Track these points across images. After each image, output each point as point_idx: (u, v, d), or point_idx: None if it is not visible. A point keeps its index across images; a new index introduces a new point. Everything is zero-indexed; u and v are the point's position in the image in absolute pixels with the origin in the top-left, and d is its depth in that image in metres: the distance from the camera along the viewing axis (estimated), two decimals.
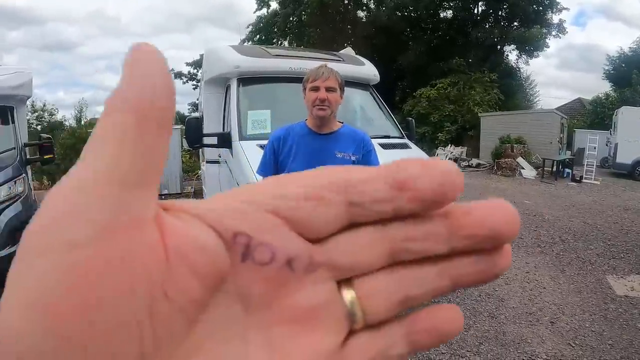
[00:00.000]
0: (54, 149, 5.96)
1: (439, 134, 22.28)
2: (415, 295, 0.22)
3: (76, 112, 37.59)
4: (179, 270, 0.17)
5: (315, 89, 2.38)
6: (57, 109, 35.72)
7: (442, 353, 3.51)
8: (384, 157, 4.42)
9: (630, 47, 29.73)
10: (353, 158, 2.46)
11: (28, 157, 5.51)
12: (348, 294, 0.21)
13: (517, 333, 3.86)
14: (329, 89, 2.37)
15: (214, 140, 4.79)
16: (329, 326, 0.21)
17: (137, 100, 0.17)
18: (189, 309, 0.18)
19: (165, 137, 0.18)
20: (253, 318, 0.20)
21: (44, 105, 33.56)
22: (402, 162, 0.21)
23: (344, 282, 0.22)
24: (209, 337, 0.19)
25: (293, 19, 31.73)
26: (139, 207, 0.17)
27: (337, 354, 0.21)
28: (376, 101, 5.70)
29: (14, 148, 5.11)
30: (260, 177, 2.81)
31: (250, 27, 32.11)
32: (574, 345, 3.69)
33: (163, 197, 9.60)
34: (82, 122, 35.86)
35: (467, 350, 3.56)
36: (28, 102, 7.53)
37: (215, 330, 0.19)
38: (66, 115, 37.86)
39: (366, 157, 2.51)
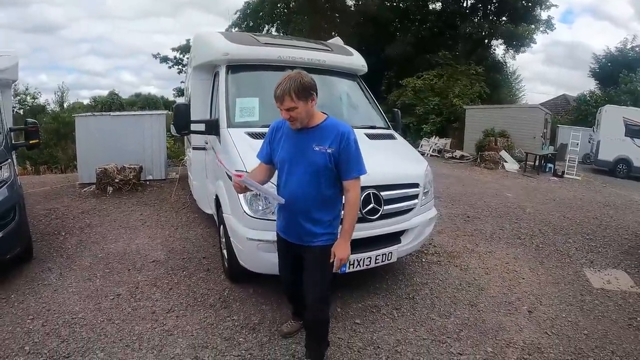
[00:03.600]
0: (40, 134, 5.86)
1: (424, 125, 22.37)
2: None
3: (57, 96, 37.08)
4: None
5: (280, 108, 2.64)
6: (40, 92, 35.17)
7: (424, 339, 3.59)
8: (370, 146, 4.50)
9: (616, 47, 30.03)
10: (329, 150, 2.67)
11: (13, 142, 5.43)
12: None
13: (496, 321, 3.95)
14: (288, 109, 2.59)
15: (201, 127, 4.79)
16: None
17: None
18: None
19: None
20: None
21: (27, 89, 33.02)
22: None
23: None
24: None
25: (281, 5, 31.49)
26: None
27: None
28: (363, 91, 5.74)
29: (0, 133, 5.05)
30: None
31: (238, 12, 31.84)
32: (550, 334, 3.79)
33: (147, 182, 9.57)
34: (65, 106, 35.49)
35: (448, 337, 3.64)
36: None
37: None
38: (48, 99, 37.33)
39: (344, 150, 2.66)
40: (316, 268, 2.86)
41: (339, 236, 2.80)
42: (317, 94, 2.67)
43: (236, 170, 3.43)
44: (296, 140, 2.77)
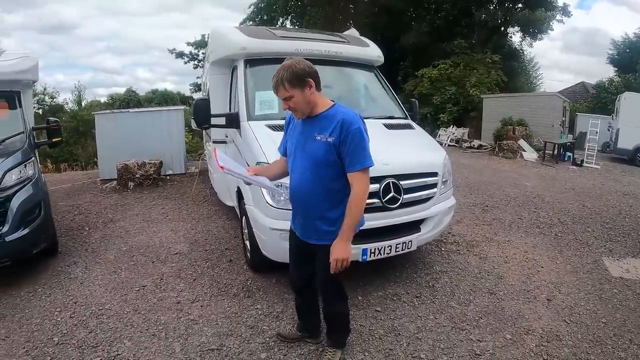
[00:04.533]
0: (62, 132, 6.01)
1: (441, 114, 22.21)
2: None
3: (74, 95, 37.59)
4: None
5: None
6: (58, 92, 35.63)
7: (444, 326, 3.66)
8: (389, 136, 4.55)
9: (635, 33, 29.60)
10: (330, 140, 2.51)
11: (36, 140, 5.58)
12: None
13: (515, 309, 4.00)
14: (285, 99, 2.53)
15: (221, 120, 4.88)
16: None
17: None
18: None
19: None
20: None
21: (45, 89, 33.48)
22: None
23: None
24: None
25: None
26: None
27: None
28: (380, 82, 5.78)
29: (23, 132, 5.18)
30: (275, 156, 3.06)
31: (252, 6, 31.86)
32: (569, 322, 3.82)
33: (167, 176, 9.71)
34: (83, 105, 35.98)
35: (467, 324, 3.70)
36: None
37: None
38: (66, 98, 37.84)
39: (345, 139, 2.48)
40: (323, 267, 2.72)
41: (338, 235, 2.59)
42: (316, 80, 2.55)
43: (260, 163, 3.51)
44: (301, 130, 2.69)
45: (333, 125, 2.51)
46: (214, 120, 4.94)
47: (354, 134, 2.47)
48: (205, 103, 4.99)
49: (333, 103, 2.65)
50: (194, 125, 8.24)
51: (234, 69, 5.44)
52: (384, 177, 3.77)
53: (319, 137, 2.55)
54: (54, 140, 5.65)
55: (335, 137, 2.49)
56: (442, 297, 4.17)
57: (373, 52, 5.87)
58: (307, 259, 2.90)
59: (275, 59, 5.09)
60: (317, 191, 2.63)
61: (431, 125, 21.52)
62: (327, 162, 2.55)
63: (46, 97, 33.68)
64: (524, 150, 15.62)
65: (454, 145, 18.73)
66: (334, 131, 2.50)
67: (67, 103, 36.20)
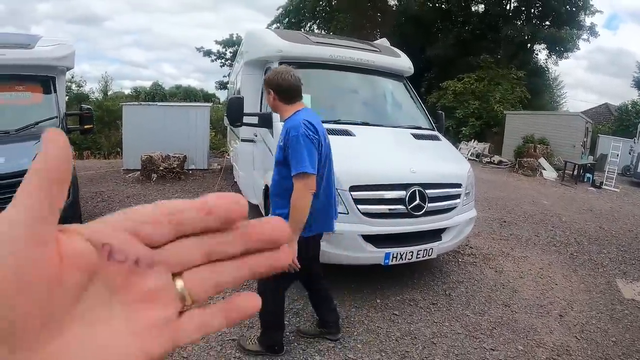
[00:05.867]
0: (94, 120, 6.17)
1: (463, 128, 22.21)
2: (224, 282, 0.32)
3: (101, 85, 38.20)
4: (67, 266, 0.27)
5: None
6: (85, 80, 36.11)
7: (459, 333, 3.78)
8: (417, 146, 4.67)
9: None
10: (281, 144, 2.85)
11: (68, 126, 5.73)
12: (179, 282, 0.31)
13: (528, 322, 4.10)
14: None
15: (254, 119, 5.01)
16: (166, 303, 0.30)
17: (46, 170, 0.27)
18: (73, 290, 0.27)
19: (64, 189, 0.28)
20: (116, 298, 0.29)
21: (72, 77, 34.00)
22: (209, 196, 0.32)
23: (176, 274, 0.31)
24: (80, 318, 0.28)
25: (322, 2, 31.62)
26: (45, 232, 0.27)
27: (173, 322, 0.31)
28: (409, 92, 5.90)
29: (56, 117, 5.32)
30: None
31: (280, 9, 32.13)
32: (579, 338, 3.91)
33: (190, 171, 9.89)
34: (108, 95, 36.53)
35: (481, 333, 3.81)
36: None
37: (86, 312, 0.28)
38: (93, 88, 38.46)
39: (287, 145, 2.76)
40: None
41: None
42: (280, 94, 2.88)
43: None
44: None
45: (284, 132, 2.86)
46: (246, 119, 5.07)
47: (291, 140, 2.74)
48: (239, 101, 5.08)
49: (297, 110, 2.93)
50: (226, 122, 8.38)
51: (267, 70, 5.58)
52: (411, 185, 3.91)
53: (279, 142, 2.91)
54: (85, 127, 5.81)
55: (284, 143, 2.82)
56: (457, 306, 4.29)
57: (404, 62, 5.98)
58: None
59: (310, 64, 5.29)
60: (276, 188, 2.97)
61: (453, 138, 21.51)
62: (282, 161, 2.85)
63: (73, 85, 34.25)
64: (544, 169, 15.59)
65: (474, 160, 18.69)
66: (282, 137, 2.85)
67: (93, 92, 36.84)
